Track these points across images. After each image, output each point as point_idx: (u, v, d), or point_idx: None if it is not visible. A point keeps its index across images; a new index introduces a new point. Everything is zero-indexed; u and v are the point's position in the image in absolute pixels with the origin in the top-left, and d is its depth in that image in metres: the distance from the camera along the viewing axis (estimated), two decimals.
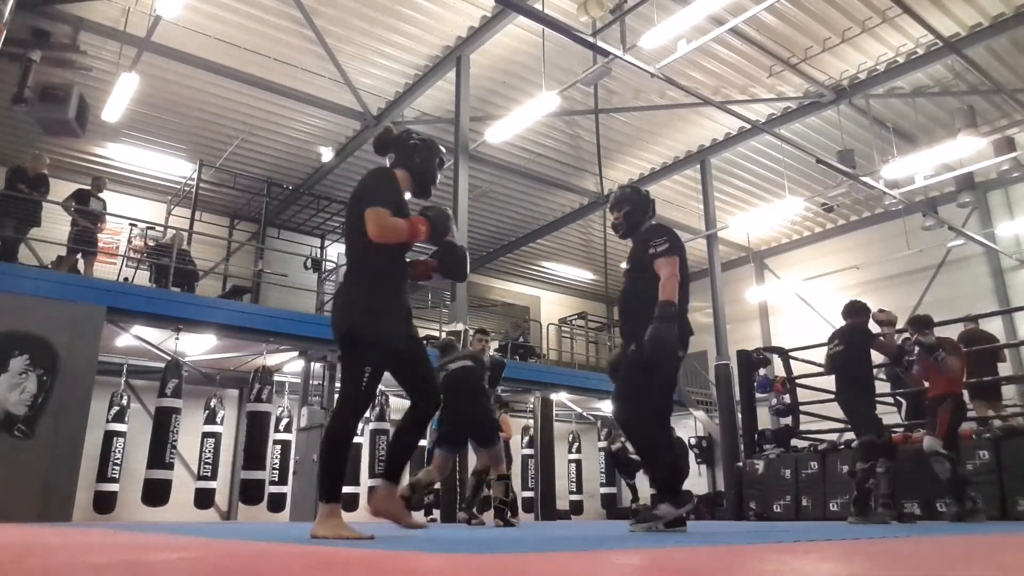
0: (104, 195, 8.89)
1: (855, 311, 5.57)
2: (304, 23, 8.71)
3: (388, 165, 2.87)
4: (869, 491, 5.14)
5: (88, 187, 8.90)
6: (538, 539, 2.74)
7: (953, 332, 8.37)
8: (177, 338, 8.36)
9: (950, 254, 12.10)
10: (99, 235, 8.78)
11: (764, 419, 9.48)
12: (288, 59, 9.44)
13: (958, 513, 5.27)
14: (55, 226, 9.65)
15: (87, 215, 8.46)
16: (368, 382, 2.62)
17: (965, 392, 6.08)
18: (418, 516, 5.36)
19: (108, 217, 8.99)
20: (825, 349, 5.58)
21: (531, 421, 11.86)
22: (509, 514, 5.31)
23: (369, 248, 2.63)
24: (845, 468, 7.18)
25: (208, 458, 8.87)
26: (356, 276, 2.72)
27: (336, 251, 13.79)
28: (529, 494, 11.29)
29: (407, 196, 2.83)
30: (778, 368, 8.57)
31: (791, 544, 2.31)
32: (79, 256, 8.38)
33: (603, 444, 13.70)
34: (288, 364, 10.03)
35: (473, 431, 5.20)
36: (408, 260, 2.84)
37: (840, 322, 5.63)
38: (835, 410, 8.71)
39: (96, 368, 7.24)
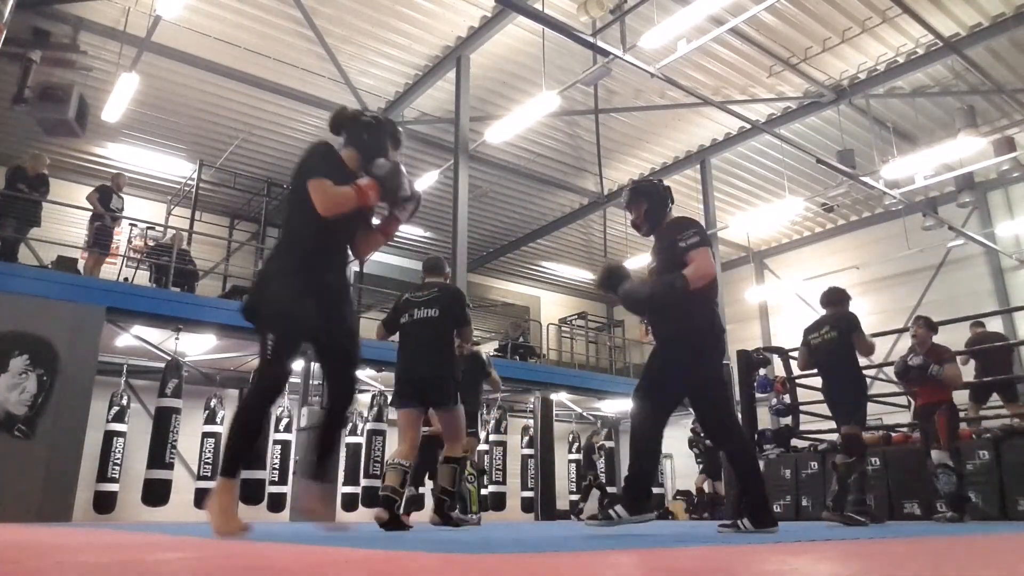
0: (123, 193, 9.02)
1: (842, 299, 5.43)
2: (304, 23, 8.71)
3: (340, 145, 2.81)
4: (849, 487, 4.88)
5: (109, 184, 8.98)
6: (538, 539, 2.74)
7: (954, 332, 8.38)
8: (177, 338, 8.36)
9: (950, 254, 12.11)
10: (110, 234, 8.87)
11: (764, 419, 9.47)
12: (288, 59, 9.44)
13: (952, 520, 5.23)
14: (55, 226, 9.67)
15: (109, 213, 8.57)
16: (274, 352, 2.52)
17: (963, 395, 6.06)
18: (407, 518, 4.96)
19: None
20: (806, 339, 5.29)
21: (531, 421, 11.87)
22: (454, 509, 4.73)
23: (295, 226, 2.66)
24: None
25: (208, 458, 8.87)
26: (274, 252, 2.74)
27: None
28: (529, 494, 11.30)
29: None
30: (778, 368, 8.56)
31: (791, 544, 2.31)
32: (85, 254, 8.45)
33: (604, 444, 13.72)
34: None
35: (428, 391, 4.29)
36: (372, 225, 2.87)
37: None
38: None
39: (96, 368, 7.24)
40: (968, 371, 7.23)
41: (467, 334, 4.55)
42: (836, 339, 5.12)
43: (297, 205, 2.62)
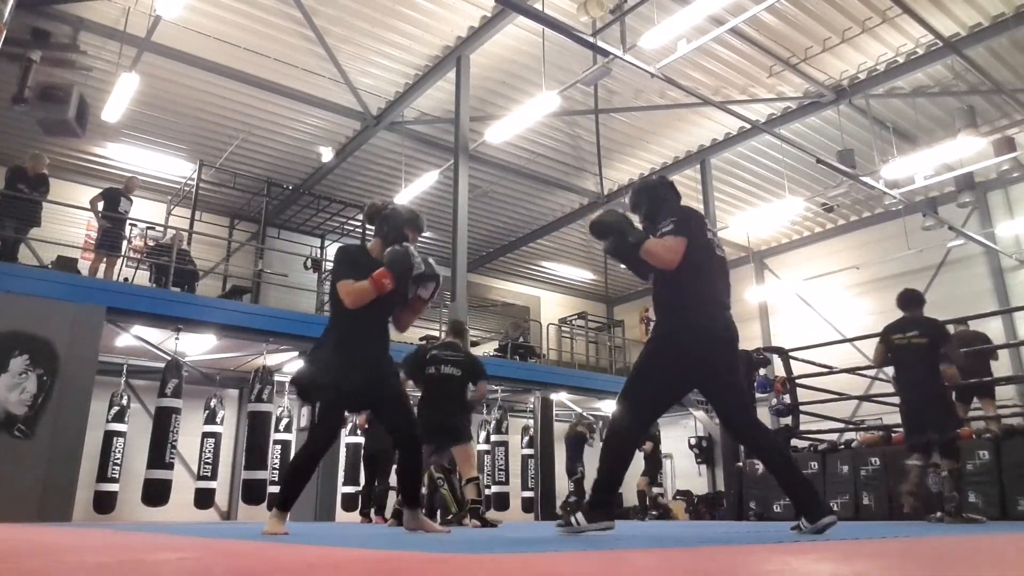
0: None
1: (921, 301, 5.43)
2: (304, 23, 8.71)
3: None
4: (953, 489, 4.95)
5: (119, 187, 9.02)
6: (538, 539, 2.74)
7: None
8: (177, 338, 8.36)
9: (950, 254, 12.10)
10: (121, 235, 8.93)
11: (764, 419, 9.46)
12: (288, 59, 9.44)
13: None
14: (55, 226, 9.66)
15: (116, 216, 8.61)
16: (320, 416, 3.21)
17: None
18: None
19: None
20: (888, 336, 5.28)
21: (531, 421, 11.86)
22: (482, 511, 5.42)
23: (334, 312, 3.28)
24: (845, 468, 7.19)
25: (208, 458, 8.87)
26: (323, 333, 3.31)
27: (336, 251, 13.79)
28: (529, 494, 11.29)
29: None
30: (778, 368, 8.57)
31: (791, 544, 2.31)
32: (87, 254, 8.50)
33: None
34: (288, 364, 10.03)
35: (444, 436, 5.26)
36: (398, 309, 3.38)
37: (841, 323, 5.58)
38: (835, 410, 8.78)
39: (96, 368, 7.24)
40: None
41: (483, 388, 5.58)
42: (926, 346, 5.12)
43: (334, 297, 3.22)
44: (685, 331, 2.98)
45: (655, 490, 10.48)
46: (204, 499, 8.85)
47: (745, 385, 3.27)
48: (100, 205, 8.68)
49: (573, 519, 2.90)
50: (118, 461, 8.54)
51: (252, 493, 8.59)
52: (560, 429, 11.63)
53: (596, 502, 2.91)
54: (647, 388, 3.02)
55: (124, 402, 8.83)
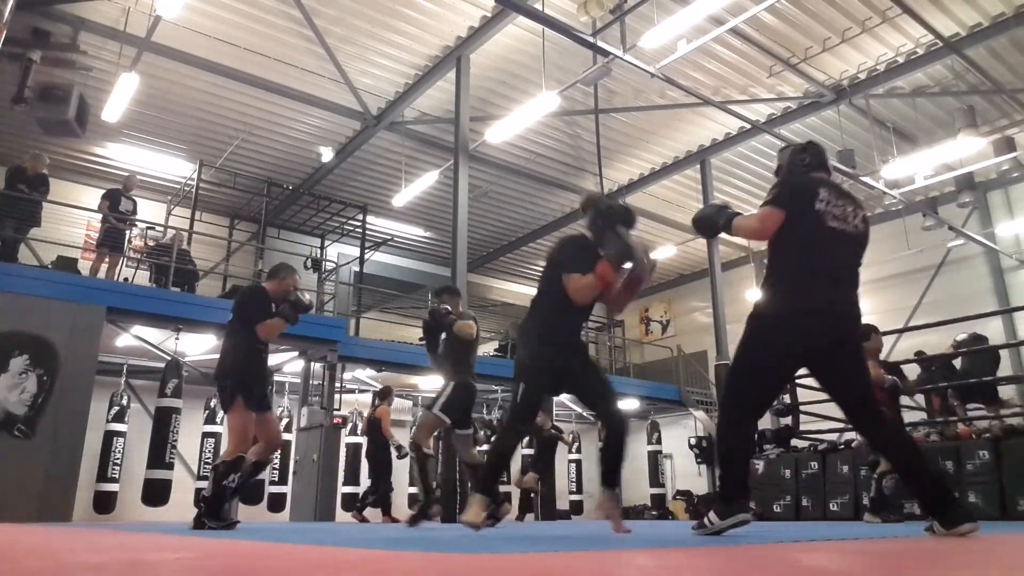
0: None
1: None
2: (304, 23, 8.70)
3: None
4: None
5: (119, 187, 9.04)
6: (539, 539, 2.74)
7: (952, 333, 8.38)
8: (177, 338, 8.36)
9: (950, 254, 12.10)
10: (124, 235, 8.97)
11: (764, 419, 9.47)
12: (288, 59, 9.44)
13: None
14: (55, 226, 9.66)
15: (120, 216, 8.66)
16: (523, 398, 3.30)
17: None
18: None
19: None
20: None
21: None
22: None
23: (546, 296, 3.36)
24: (845, 468, 7.20)
25: (208, 458, 8.87)
26: (527, 319, 3.43)
27: (336, 251, 13.79)
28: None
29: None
30: None
31: (791, 544, 2.31)
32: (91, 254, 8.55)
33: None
34: (288, 364, 10.04)
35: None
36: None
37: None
38: (835, 410, 8.75)
39: (96, 368, 7.24)
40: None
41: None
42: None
43: (554, 283, 3.25)
44: (768, 307, 2.85)
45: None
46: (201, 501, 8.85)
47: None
48: (105, 206, 8.71)
49: (707, 519, 2.89)
50: (118, 461, 8.55)
51: (250, 493, 8.60)
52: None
53: (728, 498, 2.86)
54: (745, 377, 2.91)
55: (124, 402, 8.83)
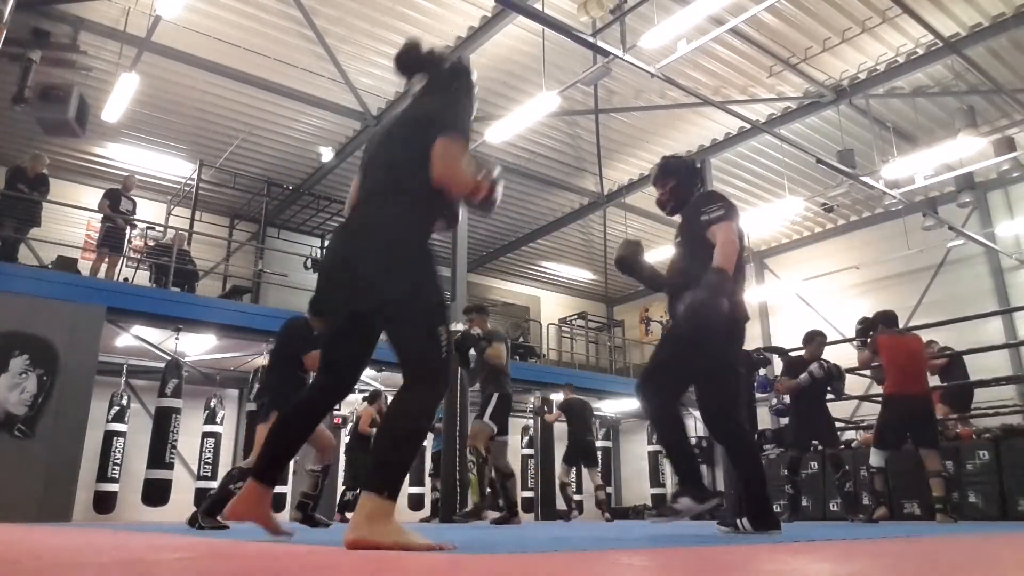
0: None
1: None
2: (304, 23, 8.70)
3: None
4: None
5: (118, 187, 9.06)
6: (538, 539, 2.74)
7: (954, 332, 8.40)
8: (177, 338, 8.37)
9: (950, 254, 12.10)
10: (124, 235, 8.99)
11: (764, 419, 9.47)
12: (288, 59, 9.44)
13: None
14: (55, 226, 9.67)
15: (121, 216, 8.67)
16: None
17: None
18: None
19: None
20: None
21: (531, 421, 11.86)
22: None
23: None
24: (845, 468, 7.20)
25: (208, 458, 8.88)
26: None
27: None
28: (529, 494, 11.29)
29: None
30: (778, 368, 8.56)
31: (791, 544, 2.31)
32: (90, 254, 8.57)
33: (603, 444, 13.69)
34: None
35: None
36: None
37: (841, 323, 5.84)
38: (835, 410, 8.74)
39: (96, 368, 7.25)
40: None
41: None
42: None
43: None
44: (739, 312, 3.13)
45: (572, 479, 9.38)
46: (204, 499, 8.86)
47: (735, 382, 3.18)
48: (105, 206, 8.73)
49: (740, 523, 3.04)
50: (118, 461, 8.55)
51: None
52: (561, 429, 11.62)
53: (761, 511, 3.07)
54: (735, 379, 3.25)
55: (124, 402, 8.83)
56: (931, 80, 9.69)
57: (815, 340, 6.48)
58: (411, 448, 1.95)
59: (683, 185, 3.35)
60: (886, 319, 5.96)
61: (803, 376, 6.13)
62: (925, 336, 8.17)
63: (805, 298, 13.98)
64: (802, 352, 6.59)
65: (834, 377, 6.28)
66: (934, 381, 7.65)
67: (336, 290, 2.13)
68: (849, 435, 8.79)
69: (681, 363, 3.14)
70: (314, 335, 4.80)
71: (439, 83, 2.36)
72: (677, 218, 3.42)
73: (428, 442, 10.36)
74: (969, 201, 11.30)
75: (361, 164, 2.36)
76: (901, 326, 6.40)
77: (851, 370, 7.87)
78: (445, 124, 2.15)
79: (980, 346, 8.15)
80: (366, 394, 9.25)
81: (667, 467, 13.72)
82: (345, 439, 10.25)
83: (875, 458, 5.63)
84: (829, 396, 6.44)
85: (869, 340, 6.07)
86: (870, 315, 6.27)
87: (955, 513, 5.65)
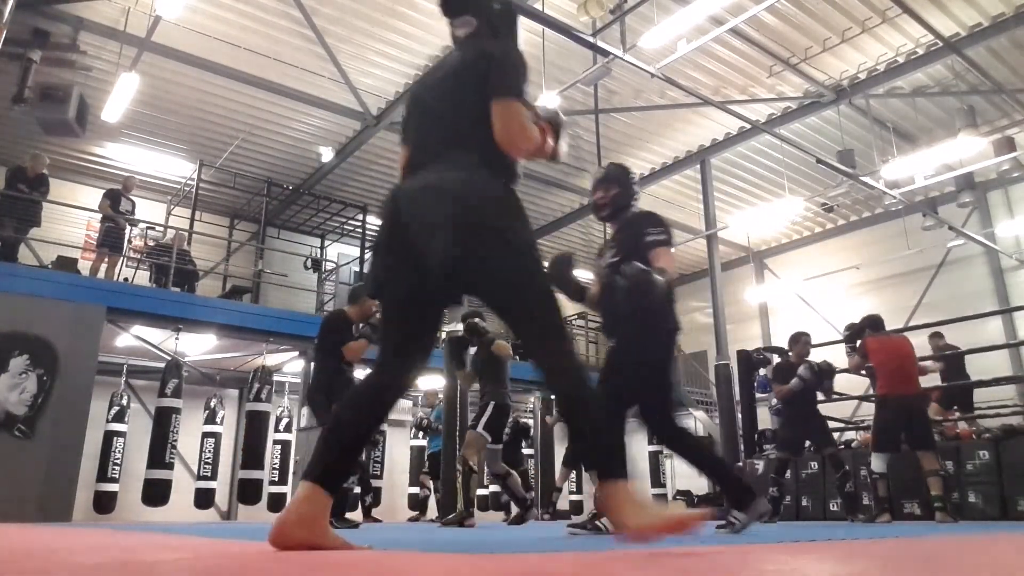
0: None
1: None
2: (304, 23, 8.70)
3: None
4: None
5: (118, 187, 9.06)
6: (539, 539, 2.74)
7: (952, 333, 8.39)
8: (177, 338, 8.37)
9: (950, 254, 12.10)
10: (124, 235, 9.00)
11: (764, 419, 9.47)
12: (288, 59, 9.44)
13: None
14: (55, 226, 9.67)
15: (121, 216, 8.69)
16: None
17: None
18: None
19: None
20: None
21: (531, 421, 11.85)
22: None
23: None
24: (845, 468, 7.20)
25: (208, 458, 8.88)
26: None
27: (336, 251, 13.80)
28: (529, 494, 11.29)
29: None
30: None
31: (791, 544, 2.31)
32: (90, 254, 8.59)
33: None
34: (288, 364, 10.04)
35: None
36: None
37: (841, 323, 5.84)
38: (835, 410, 8.78)
39: (96, 368, 7.25)
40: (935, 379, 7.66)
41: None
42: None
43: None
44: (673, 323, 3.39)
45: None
46: (204, 499, 8.86)
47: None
48: (106, 205, 8.74)
49: (732, 518, 3.08)
50: (118, 461, 8.55)
51: (248, 493, 8.60)
52: (560, 429, 11.62)
53: (738, 493, 3.14)
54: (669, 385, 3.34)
55: (124, 402, 8.83)
56: (931, 80, 9.69)
57: (800, 341, 6.50)
58: (600, 412, 1.81)
59: (623, 194, 3.47)
60: (873, 323, 6.02)
61: (794, 381, 6.13)
62: (927, 334, 8.22)
63: (805, 298, 13.97)
64: (789, 354, 6.60)
65: (824, 376, 6.29)
66: (935, 381, 7.66)
67: (410, 262, 1.87)
68: (849, 435, 8.78)
69: (623, 384, 3.20)
70: (350, 325, 4.93)
71: (488, 26, 2.16)
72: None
73: (425, 441, 10.36)
74: (969, 201, 11.30)
75: (409, 122, 2.16)
76: (901, 326, 6.42)
77: (845, 371, 7.89)
78: (500, 82, 1.95)
79: (980, 346, 8.14)
80: None
81: (667, 467, 13.74)
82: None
83: (877, 463, 5.61)
84: (822, 397, 6.48)
85: (858, 344, 6.10)
86: (871, 315, 6.29)
87: (956, 513, 5.65)
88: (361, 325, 5.08)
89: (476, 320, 5.69)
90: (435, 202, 1.84)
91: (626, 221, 3.42)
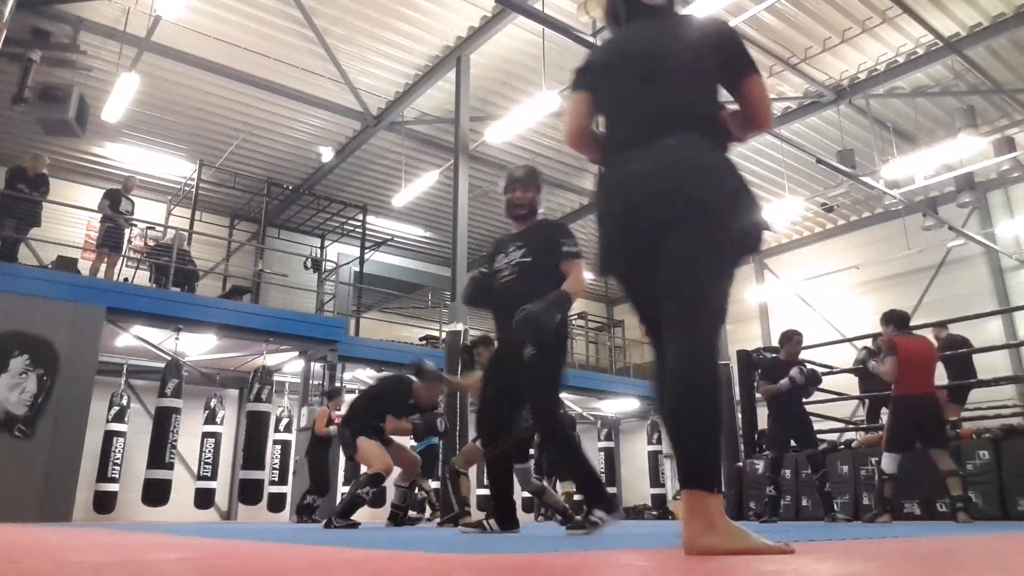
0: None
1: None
2: (304, 23, 8.71)
3: None
4: None
5: (118, 187, 9.07)
6: (539, 539, 2.74)
7: (952, 332, 8.38)
8: (177, 338, 8.37)
9: (950, 254, 12.10)
10: (124, 235, 9.02)
11: (764, 419, 9.46)
12: (288, 59, 9.44)
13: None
14: (55, 226, 9.67)
15: (121, 216, 8.70)
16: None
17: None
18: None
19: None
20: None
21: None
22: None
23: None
24: (845, 468, 7.20)
25: (208, 458, 8.88)
26: None
27: (336, 251, 13.80)
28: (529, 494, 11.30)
29: None
30: None
31: (790, 544, 2.30)
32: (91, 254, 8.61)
33: (604, 444, 13.71)
34: (288, 364, 10.04)
35: None
36: None
37: (841, 323, 5.74)
38: (835, 410, 8.79)
39: (96, 368, 7.25)
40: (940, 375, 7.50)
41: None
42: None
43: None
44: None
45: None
46: (204, 499, 8.86)
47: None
48: (106, 205, 8.74)
49: (594, 517, 3.01)
50: (118, 461, 8.55)
51: (249, 493, 8.60)
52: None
53: (603, 501, 3.13)
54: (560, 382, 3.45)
55: (124, 402, 8.84)
56: (931, 80, 9.69)
57: (792, 340, 6.45)
58: (716, 413, 1.64)
59: (539, 197, 3.59)
60: (898, 320, 5.72)
61: (783, 381, 6.10)
62: (928, 333, 8.20)
63: (805, 298, 13.98)
64: (778, 354, 6.56)
65: (810, 383, 6.26)
66: (940, 378, 7.64)
67: (651, 245, 1.80)
68: (849, 435, 8.78)
69: (514, 380, 3.25)
70: (408, 401, 5.16)
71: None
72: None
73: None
74: (969, 201, 11.30)
75: (612, 85, 1.99)
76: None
77: (845, 370, 7.88)
78: (750, 58, 1.88)
79: (980, 346, 8.14)
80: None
81: (667, 467, 13.74)
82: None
83: (888, 463, 5.52)
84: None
85: (882, 341, 5.94)
86: (870, 315, 6.25)
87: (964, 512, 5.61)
88: (420, 414, 5.17)
89: (481, 356, 5.68)
90: (673, 173, 1.84)
91: (537, 225, 3.54)
